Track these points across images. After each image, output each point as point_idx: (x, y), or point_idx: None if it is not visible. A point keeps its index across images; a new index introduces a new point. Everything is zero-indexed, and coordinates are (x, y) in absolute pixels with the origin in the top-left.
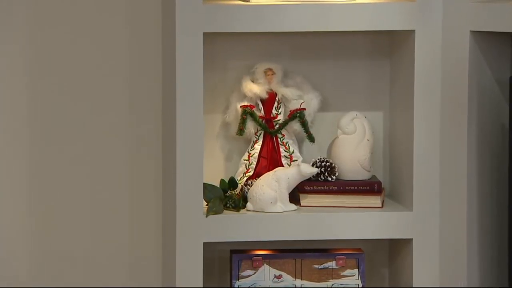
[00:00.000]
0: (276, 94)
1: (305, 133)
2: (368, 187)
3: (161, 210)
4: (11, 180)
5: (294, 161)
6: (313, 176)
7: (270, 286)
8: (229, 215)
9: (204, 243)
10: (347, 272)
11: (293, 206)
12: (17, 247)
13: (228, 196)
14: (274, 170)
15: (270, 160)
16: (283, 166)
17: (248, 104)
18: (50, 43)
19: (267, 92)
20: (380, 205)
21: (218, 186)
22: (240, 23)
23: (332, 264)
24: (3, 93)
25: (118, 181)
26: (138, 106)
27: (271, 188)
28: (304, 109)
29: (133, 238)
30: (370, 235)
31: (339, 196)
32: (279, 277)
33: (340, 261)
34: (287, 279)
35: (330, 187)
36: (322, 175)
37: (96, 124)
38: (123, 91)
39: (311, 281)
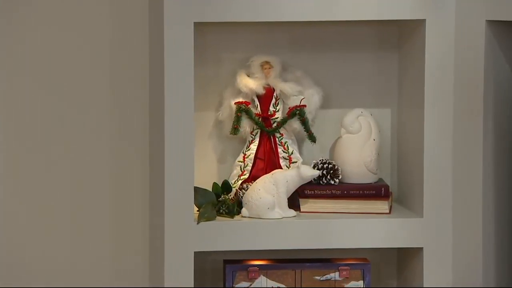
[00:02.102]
0: (273, 90)
1: (305, 132)
2: (374, 191)
3: (148, 217)
4: None
5: (293, 162)
6: (314, 179)
7: None
8: (222, 222)
9: (195, 253)
10: (352, 284)
11: (292, 212)
12: None
13: (221, 201)
14: (272, 172)
15: (267, 161)
16: (281, 168)
17: (243, 100)
18: (28, 34)
19: (264, 88)
20: (388, 211)
21: (211, 190)
22: (234, 12)
23: (335, 275)
24: None
25: (101, 185)
26: (123, 103)
27: (269, 192)
28: (305, 106)
29: (117, 247)
30: (377, 243)
31: (342, 201)
32: None
33: (344, 272)
34: None
35: (333, 191)
36: (324, 178)
37: (77, 123)
38: (107, 87)
39: None
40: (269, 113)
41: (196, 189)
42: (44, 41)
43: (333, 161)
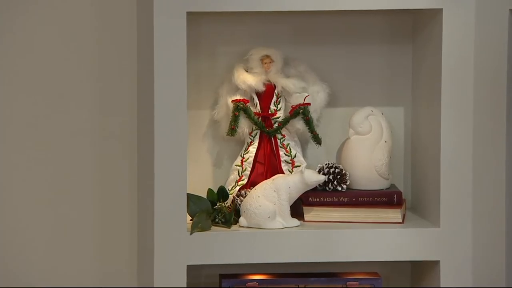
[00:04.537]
0: (275, 86)
1: (309, 133)
2: (386, 198)
3: (136, 226)
4: None
5: (296, 167)
6: (319, 185)
7: None
8: (218, 232)
9: (188, 266)
10: None
11: (295, 222)
12: None
13: (217, 210)
14: (273, 178)
15: (267, 165)
16: (283, 173)
17: (241, 98)
18: (7, 24)
19: (264, 84)
20: (401, 220)
21: (205, 197)
22: (231, 1)
23: None
24: None
25: (84, 192)
26: (108, 102)
27: (269, 199)
28: (309, 104)
29: (103, 259)
30: (389, 256)
31: (350, 209)
32: None
33: None
34: None
35: (340, 199)
36: (330, 184)
37: (59, 122)
38: (91, 83)
39: None
40: (269, 112)
41: (189, 196)
42: (28, 33)
43: (340, 165)
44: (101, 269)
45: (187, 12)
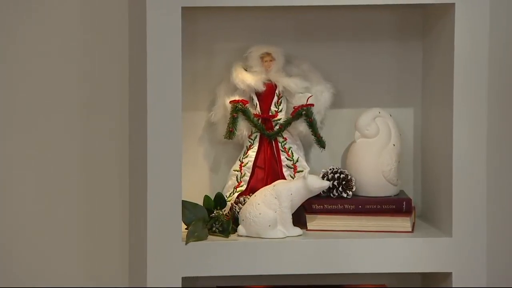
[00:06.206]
0: (275, 86)
1: (313, 136)
2: (394, 205)
3: (127, 236)
4: None
5: (299, 172)
6: (323, 191)
7: None
8: (215, 242)
9: (183, 278)
10: None
11: (297, 231)
12: None
13: (214, 218)
14: (273, 183)
15: (268, 170)
16: (284, 178)
17: (240, 98)
18: None
19: (264, 84)
20: (410, 229)
21: (201, 204)
22: None
23: None
24: None
25: (74, 198)
26: (98, 102)
27: (270, 207)
28: (312, 105)
29: (92, 271)
30: (397, 267)
31: (357, 217)
32: None
33: None
34: None
35: (346, 206)
36: (335, 190)
37: (45, 124)
38: (80, 82)
39: None
40: (270, 114)
41: (184, 204)
42: (21, 30)
43: (345, 170)
44: (91, 281)
45: (182, 7)
